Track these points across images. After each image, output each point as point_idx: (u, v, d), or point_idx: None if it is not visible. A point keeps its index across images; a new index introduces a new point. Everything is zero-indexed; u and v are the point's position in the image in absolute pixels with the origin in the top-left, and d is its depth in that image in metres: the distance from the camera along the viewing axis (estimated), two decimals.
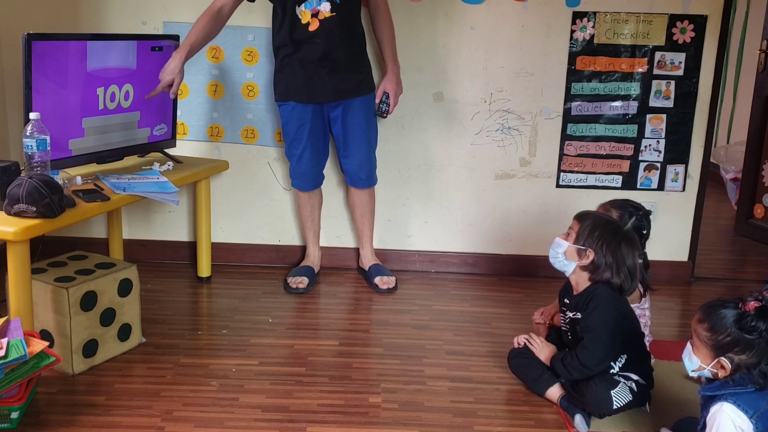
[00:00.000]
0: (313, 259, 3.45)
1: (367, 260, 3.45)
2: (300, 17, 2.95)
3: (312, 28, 2.95)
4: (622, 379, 2.28)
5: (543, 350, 2.44)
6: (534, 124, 3.45)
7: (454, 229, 3.59)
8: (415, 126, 3.46)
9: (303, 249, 3.54)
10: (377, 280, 3.34)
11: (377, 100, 3.17)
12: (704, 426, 1.89)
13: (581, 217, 2.40)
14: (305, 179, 3.26)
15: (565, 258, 2.36)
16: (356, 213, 3.40)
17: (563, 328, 2.48)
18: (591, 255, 2.31)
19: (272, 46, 3.11)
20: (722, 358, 1.83)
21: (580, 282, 2.37)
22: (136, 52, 2.88)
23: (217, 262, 3.48)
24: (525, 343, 2.49)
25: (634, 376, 2.30)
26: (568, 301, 2.44)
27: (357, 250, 3.54)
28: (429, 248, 3.60)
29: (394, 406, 2.35)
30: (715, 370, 1.86)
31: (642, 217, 2.58)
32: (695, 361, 1.89)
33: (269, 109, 3.42)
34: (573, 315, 2.39)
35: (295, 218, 3.55)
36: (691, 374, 1.94)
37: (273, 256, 3.59)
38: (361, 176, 3.24)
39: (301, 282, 3.29)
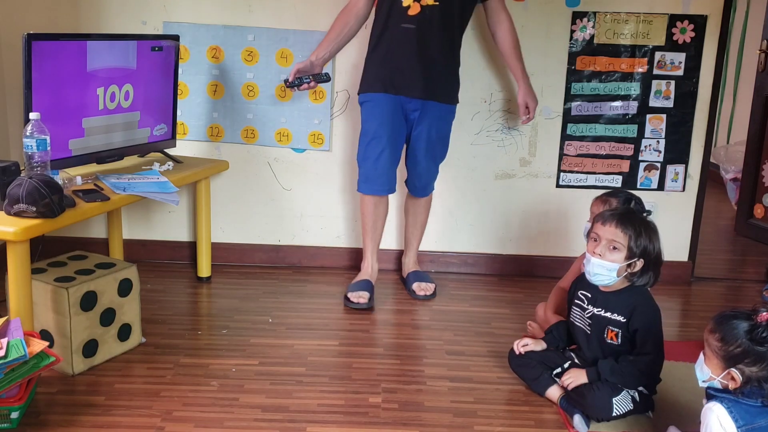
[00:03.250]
0: (371, 272, 3.26)
1: (408, 267, 3.42)
2: None
3: (412, 12, 2.89)
4: (625, 388, 2.27)
5: (579, 376, 2.32)
6: (534, 124, 3.45)
7: (454, 229, 3.58)
8: None
9: (301, 249, 3.54)
10: (415, 286, 3.29)
11: (521, 115, 3.19)
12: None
13: (623, 223, 2.24)
14: (381, 181, 3.09)
15: (617, 275, 2.26)
16: (408, 219, 3.36)
17: (578, 324, 2.41)
18: (640, 263, 2.26)
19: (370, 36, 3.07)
20: (733, 369, 1.80)
21: (616, 283, 2.31)
22: (136, 52, 2.88)
23: (217, 262, 3.48)
24: (567, 384, 2.33)
25: (639, 386, 2.29)
26: (590, 295, 2.37)
27: (357, 250, 3.53)
28: (429, 248, 3.60)
29: (394, 406, 2.35)
30: (726, 382, 1.82)
31: (638, 203, 2.55)
32: (706, 372, 1.86)
33: (269, 109, 3.42)
34: (599, 311, 2.33)
35: (295, 218, 3.55)
36: (702, 384, 1.90)
37: (273, 256, 3.59)
38: (416, 184, 3.22)
39: (362, 297, 3.11)
